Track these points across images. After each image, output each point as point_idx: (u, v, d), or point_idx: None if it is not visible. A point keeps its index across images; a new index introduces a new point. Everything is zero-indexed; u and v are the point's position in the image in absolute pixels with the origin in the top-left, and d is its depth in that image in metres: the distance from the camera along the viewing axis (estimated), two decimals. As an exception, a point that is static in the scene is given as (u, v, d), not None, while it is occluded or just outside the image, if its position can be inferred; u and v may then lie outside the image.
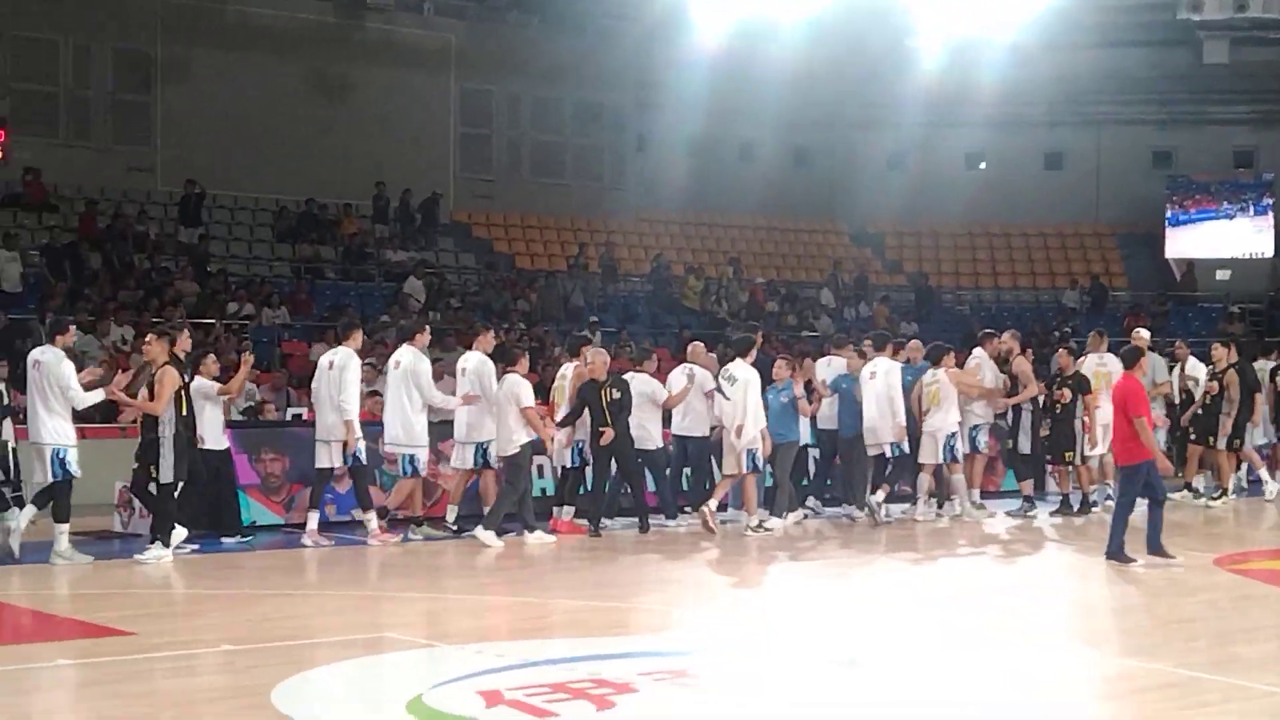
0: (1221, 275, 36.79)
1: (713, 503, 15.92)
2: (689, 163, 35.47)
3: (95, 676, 8.92)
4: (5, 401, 14.51)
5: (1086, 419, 17.60)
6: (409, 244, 30.39)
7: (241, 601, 11.79)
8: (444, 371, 17.88)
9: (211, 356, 15.47)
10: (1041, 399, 17.87)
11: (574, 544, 15.29)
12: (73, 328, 14.52)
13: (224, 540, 14.79)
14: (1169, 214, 36.91)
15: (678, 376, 17.03)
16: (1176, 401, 19.92)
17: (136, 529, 14.92)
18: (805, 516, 17.31)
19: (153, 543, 13.61)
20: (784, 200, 37.16)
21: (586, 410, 15.86)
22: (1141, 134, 37.76)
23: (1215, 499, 19.17)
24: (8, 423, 14.43)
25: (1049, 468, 18.62)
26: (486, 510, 15.32)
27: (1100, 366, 18.16)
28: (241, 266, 28.17)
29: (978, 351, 18.24)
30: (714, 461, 16.89)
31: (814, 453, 18.32)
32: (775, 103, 33.56)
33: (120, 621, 10.38)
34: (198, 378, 14.72)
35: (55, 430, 13.52)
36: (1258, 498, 19.95)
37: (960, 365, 18.00)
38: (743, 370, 16.00)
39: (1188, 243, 36.99)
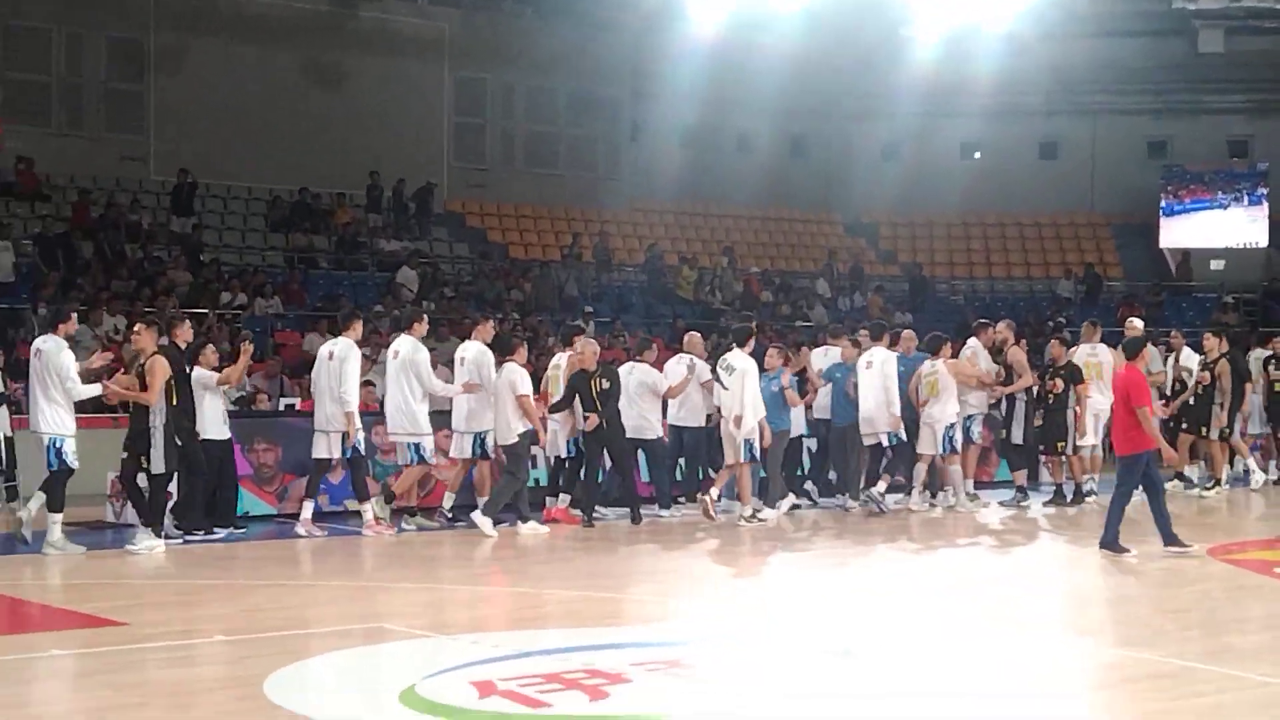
0: (1216, 265, 36.77)
1: (714, 491, 15.95)
2: (683, 153, 35.47)
3: (89, 667, 8.89)
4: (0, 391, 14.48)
5: (1078, 409, 17.62)
6: (403, 234, 30.35)
7: (235, 592, 11.78)
8: (438, 361, 17.86)
9: (210, 347, 15.47)
10: (1035, 389, 17.89)
11: (568, 534, 15.28)
12: (74, 316, 14.48)
13: (217, 530, 14.77)
14: (1164, 204, 36.87)
15: (675, 366, 17.01)
16: (1168, 392, 19.95)
17: (129, 519, 14.88)
18: (797, 506, 17.31)
19: (146, 528, 13.61)
20: (778, 190, 37.11)
21: (578, 400, 15.86)
22: (1136, 124, 37.71)
23: (1209, 489, 19.20)
24: (3, 411, 14.39)
25: (1042, 458, 18.64)
26: (482, 500, 15.33)
27: (1091, 357, 18.20)
28: (234, 256, 28.14)
29: (972, 341, 18.25)
30: (710, 451, 16.88)
31: (809, 443, 18.31)
32: (770, 93, 33.54)
33: (113, 612, 10.36)
34: (197, 368, 14.70)
35: (53, 420, 13.48)
36: (1243, 488, 20.03)
37: (955, 355, 17.99)
38: (741, 360, 15.96)
39: (1182, 232, 36.93)
